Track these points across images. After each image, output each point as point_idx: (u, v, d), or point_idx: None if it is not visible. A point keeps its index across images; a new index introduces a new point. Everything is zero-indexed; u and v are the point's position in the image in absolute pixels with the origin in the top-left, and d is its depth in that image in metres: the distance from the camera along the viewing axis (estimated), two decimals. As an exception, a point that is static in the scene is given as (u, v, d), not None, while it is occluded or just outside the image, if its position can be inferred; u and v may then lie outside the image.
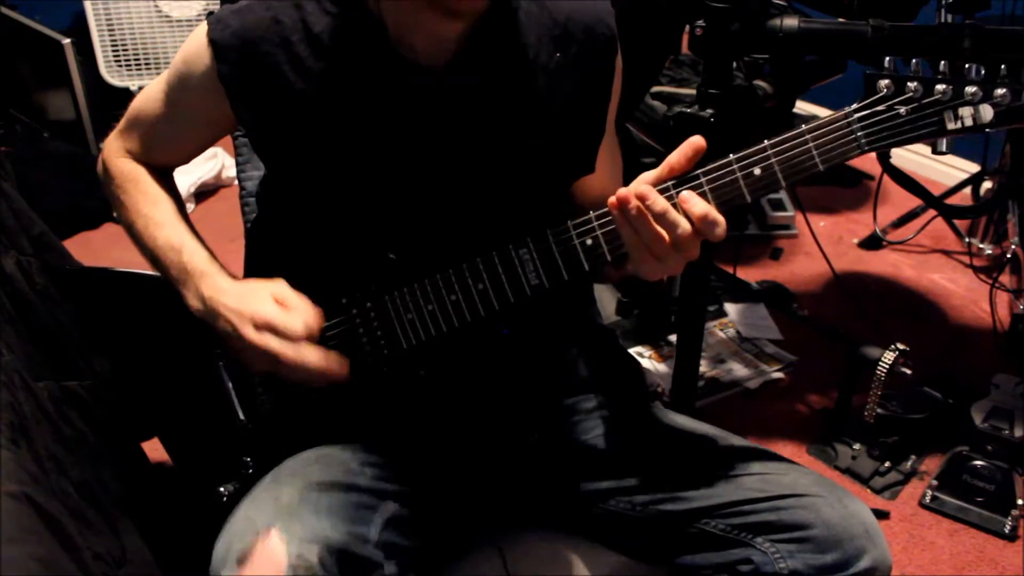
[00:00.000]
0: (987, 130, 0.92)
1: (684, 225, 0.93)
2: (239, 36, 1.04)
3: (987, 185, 2.78)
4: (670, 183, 0.96)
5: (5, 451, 1.02)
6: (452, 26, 1.01)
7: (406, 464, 1.11)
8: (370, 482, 1.06)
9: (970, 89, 0.91)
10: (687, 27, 1.65)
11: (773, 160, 0.95)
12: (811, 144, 0.94)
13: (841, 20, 1.69)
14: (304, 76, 1.04)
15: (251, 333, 1.02)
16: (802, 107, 3.53)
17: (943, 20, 2.23)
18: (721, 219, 0.94)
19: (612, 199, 0.95)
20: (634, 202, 0.94)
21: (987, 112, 0.91)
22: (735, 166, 0.95)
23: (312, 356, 1.02)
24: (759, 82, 1.80)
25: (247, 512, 0.99)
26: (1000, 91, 0.90)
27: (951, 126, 0.92)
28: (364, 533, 1.00)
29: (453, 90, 1.05)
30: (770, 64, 1.81)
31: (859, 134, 0.94)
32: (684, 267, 0.99)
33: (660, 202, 0.94)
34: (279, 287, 1.06)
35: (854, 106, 0.94)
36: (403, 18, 1.02)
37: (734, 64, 1.66)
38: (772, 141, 0.95)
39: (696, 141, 0.95)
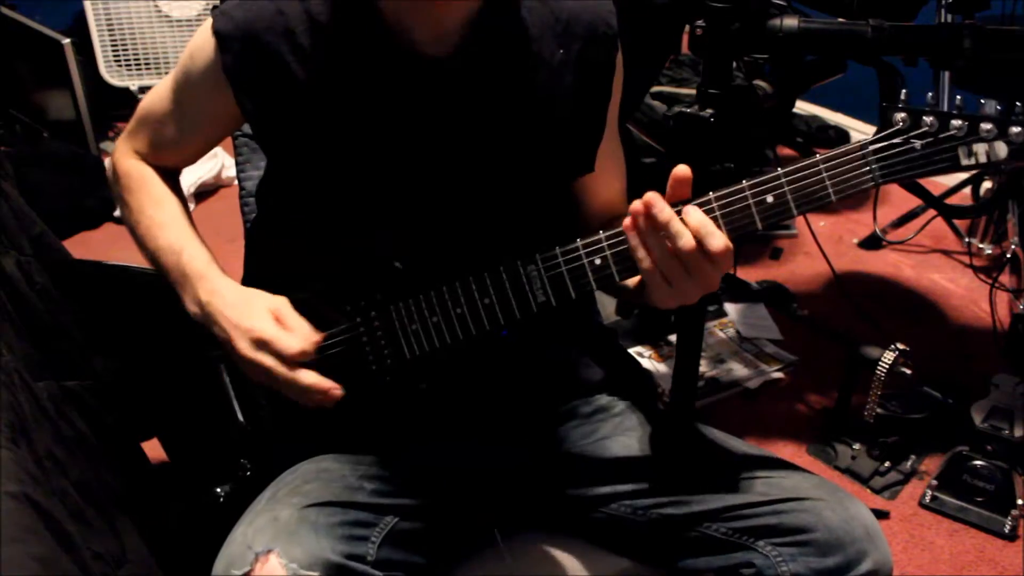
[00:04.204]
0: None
1: (687, 236, 0.93)
2: (243, 27, 1.04)
3: (987, 185, 2.78)
4: (680, 205, 0.95)
5: (5, 451, 1.02)
6: (448, 8, 1.01)
7: (406, 476, 1.11)
8: (368, 497, 1.06)
9: (985, 126, 0.90)
10: (687, 27, 1.66)
11: (786, 189, 0.94)
12: (825, 175, 0.94)
13: (841, 20, 1.69)
14: (308, 67, 1.04)
15: (246, 348, 1.03)
16: (802, 107, 3.53)
17: (943, 20, 2.24)
18: (717, 231, 0.93)
19: (627, 220, 0.95)
20: (643, 212, 0.93)
21: (1002, 149, 0.90)
22: (747, 192, 0.95)
23: (306, 377, 1.02)
24: (759, 82, 1.80)
25: (245, 532, 0.99)
26: (1015, 129, 0.89)
27: (965, 162, 0.92)
28: (362, 552, 1.00)
29: (457, 82, 1.05)
30: (770, 64, 1.81)
31: (874, 166, 0.93)
32: (699, 297, 0.97)
33: (666, 211, 0.93)
34: (279, 304, 1.05)
35: (870, 138, 0.94)
36: (401, 13, 1.02)
37: (734, 64, 1.66)
38: (786, 170, 0.94)
39: (678, 173, 0.95)
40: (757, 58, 1.77)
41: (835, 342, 2.17)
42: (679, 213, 0.94)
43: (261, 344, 1.02)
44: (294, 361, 1.01)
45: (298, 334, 1.03)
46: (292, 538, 0.96)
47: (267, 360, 1.02)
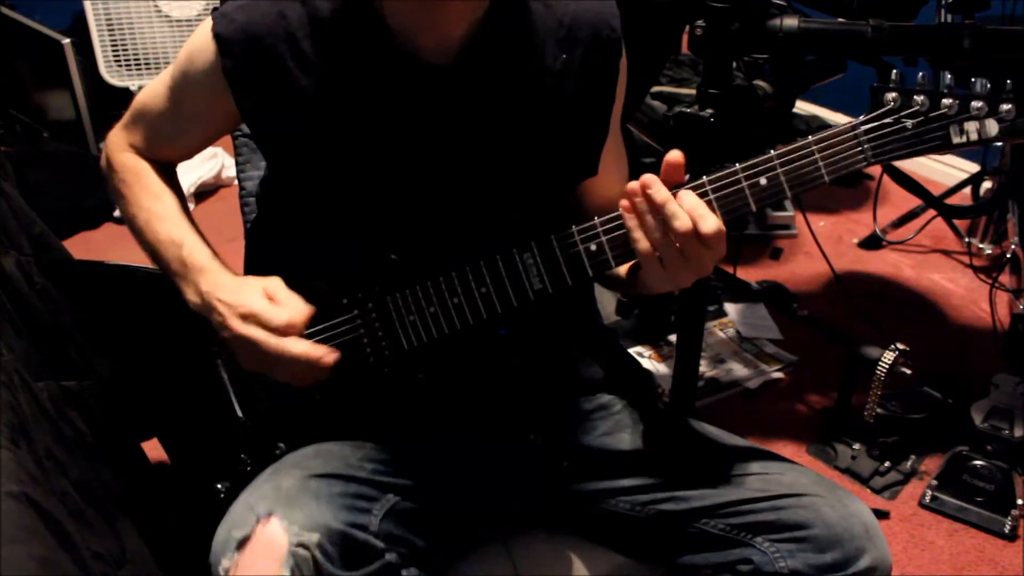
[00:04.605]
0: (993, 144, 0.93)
1: (683, 217, 0.93)
2: (244, 31, 1.04)
3: (987, 185, 2.78)
4: (674, 190, 0.96)
5: (5, 451, 1.02)
6: (451, 14, 1.01)
7: (405, 464, 1.11)
8: (370, 475, 1.06)
9: (976, 104, 0.91)
10: (687, 27, 1.66)
11: (779, 171, 0.95)
12: (817, 155, 0.94)
13: (841, 20, 1.69)
14: (309, 72, 1.04)
15: (237, 323, 1.03)
16: (802, 107, 3.53)
17: (943, 20, 2.23)
18: (709, 214, 0.94)
19: (624, 202, 0.96)
20: (640, 193, 0.95)
21: (992, 127, 0.91)
22: (741, 175, 0.95)
23: (296, 347, 1.02)
24: (759, 82, 1.80)
25: (248, 499, 0.99)
26: (1006, 106, 0.90)
27: (956, 140, 0.92)
28: (364, 522, 1.00)
29: (459, 88, 1.05)
30: (770, 64, 1.81)
31: (865, 147, 0.94)
32: (692, 282, 0.99)
33: (662, 191, 0.94)
34: (271, 283, 1.06)
35: (861, 118, 0.94)
36: (406, 17, 1.02)
37: (734, 64, 1.66)
38: (778, 151, 0.95)
39: (670, 158, 0.95)
40: (757, 58, 1.77)
41: (835, 342, 2.17)
42: (674, 196, 0.95)
43: (249, 318, 1.03)
44: (282, 332, 1.02)
45: (287, 307, 1.03)
46: (294, 503, 0.97)
47: (256, 333, 1.02)
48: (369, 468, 1.07)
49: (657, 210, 0.94)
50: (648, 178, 0.95)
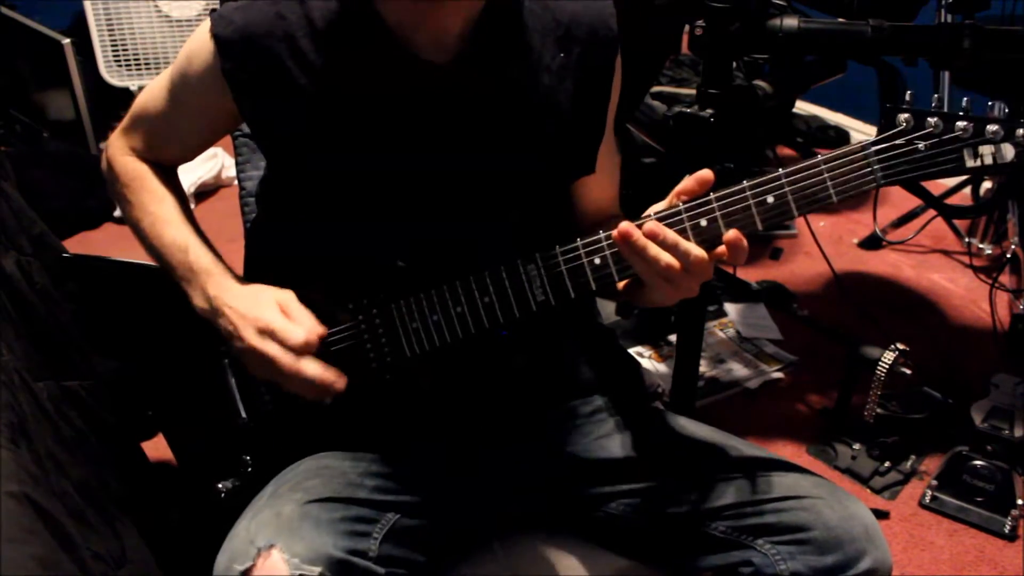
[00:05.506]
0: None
1: (696, 252, 0.93)
2: (242, 32, 1.04)
3: (987, 185, 2.78)
4: (681, 207, 0.96)
5: (5, 451, 1.02)
6: (449, 13, 1.01)
7: (407, 472, 1.11)
8: (370, 494, 1.06)
9: (991, 127, 0.89)
10: (687, 27, 1.66)
11: (787, 189, 0.94)
12: (826, 175, 0.93)
13: (841, 20, 1.69)
14: (308, 72, 1.04)
15: (252, 337, 1.03)
16: (802, 107, 3.53)
17: (943, 20, 2.24)
18: (746, 244, 0.94)
19: (615, 232, 0.95)
20: (637, 235, 0.94)
21: (1008, 151, 0.89)
22: (748, 193, 0.95)
23: (310, 367, 1.02)
24: (759, 82, 1.80)
25: (248, 528, 0.99)
26: (1022, 131, 0.88)
27: (970, 164, 0.90)
28: (364, 548, 1.00)
29: (457, 87, 1.05)
30: (770, 64, 1.81)
31: (876, 167, 0.92)
32: (700, 289, 0.98)
33: (671, 236, 0.94)
34: (286, 297, 1.06)
35: (872, 139, 0.93)
36: (403, 15, 1.02)
37: (734, 64, 1.66)
38: (787, 170, 0.94)
39: (704, 175, 0.95)
40: (757, 58, 1.77)
41: (835, 342, 2.17)
42: (683, 221, 0.95)
43: (267, 333, 1.02)
44: (298, 352, 1.02)
45: (304, 325, 1.03)
46: (294, 533, 0.96)
47: (272, 350, 1.02)
48: (369, 486, 1.07)
49: (668, 249, 0.94)
50: (654, 227, 0.93)
